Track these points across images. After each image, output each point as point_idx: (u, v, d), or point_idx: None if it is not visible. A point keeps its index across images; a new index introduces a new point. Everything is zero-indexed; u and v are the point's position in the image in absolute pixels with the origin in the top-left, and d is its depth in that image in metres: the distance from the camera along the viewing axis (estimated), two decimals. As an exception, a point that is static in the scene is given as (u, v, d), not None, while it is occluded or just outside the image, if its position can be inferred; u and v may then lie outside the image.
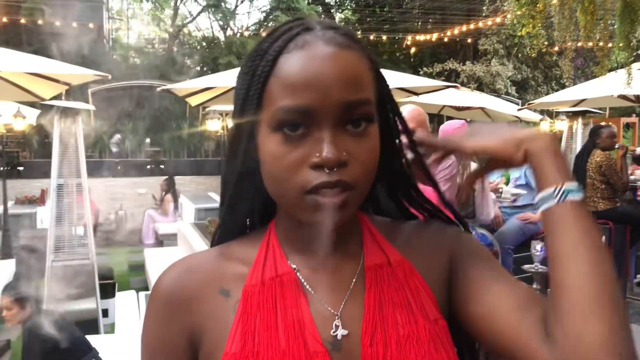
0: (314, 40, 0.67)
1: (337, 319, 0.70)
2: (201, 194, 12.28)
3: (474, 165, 3.14)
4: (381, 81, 0.74)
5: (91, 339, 3.56)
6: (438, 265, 0.77)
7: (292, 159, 0.65)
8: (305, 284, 0.73)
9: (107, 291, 5.56)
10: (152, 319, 0.75)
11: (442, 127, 3.79)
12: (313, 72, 0.65)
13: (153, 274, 6.22)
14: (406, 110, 2.63)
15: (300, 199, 0.66)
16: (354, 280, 0.73)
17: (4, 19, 14.14)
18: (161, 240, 9.57)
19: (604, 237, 5.40)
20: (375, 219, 0.82)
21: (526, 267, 3.40)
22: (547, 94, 15.92)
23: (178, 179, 11.29)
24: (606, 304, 0.63)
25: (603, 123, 6.83)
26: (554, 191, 0.68)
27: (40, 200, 10.35)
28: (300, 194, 0.66)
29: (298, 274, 0.73)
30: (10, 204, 9.31)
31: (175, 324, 0.73)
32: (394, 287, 0.73)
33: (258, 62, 0.68)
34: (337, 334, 0.69)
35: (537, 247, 3.35)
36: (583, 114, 7.07)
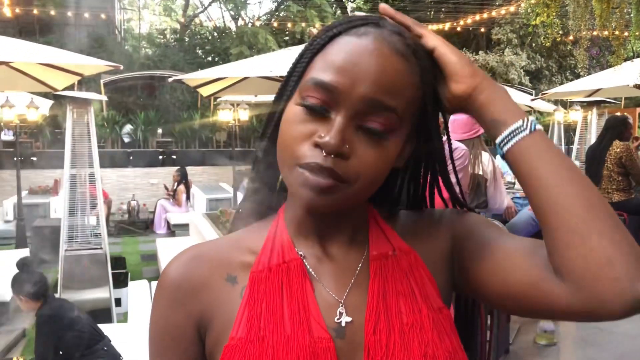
0: (375, 35, 0.67)
1: (341, 306, 0.71)
2: (213, 184, 12.32)
3: (485, 156, 3.10)
4: (428, 106, 0.73)
5: (104, 327, 3.59)
6: (439, 248, 0.78)
7: (301, 130, 0.67)
8: (311, 271, 0.73)
9: (120, 280, 5.61)
10: (160, 306, 0.76)
11: (452, 117, 3.76)
12: (354, 58, 0.65)
13: (165, 264, 6.23)
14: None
15: (293, 170, 0.67)
16: (358, 268, 0.74)
17: (17, 10, 14.20)
18: (173, 230, 9.63)
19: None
20: (382, 209, 0.82)
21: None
22: (562, 83, 15.76)
23: (189, 169, 11.33)
24: (601, 219, 0.63)
25: (618, 113, 6.75)
26: (524, 122, 0.68)
27: (54, 190, 10.44)
28: (293, 165, 0.67)
29: (305, 261, 0.74)
30: (24, 193, 9.40)
31: (183, 312, 0.74)
32: (398, 276, 0.73)
33: (321, 35, 0.70)
34: (341, 321, 0.70)
35: (550, 238, 3.32)
36: (598, 104, 6.99)
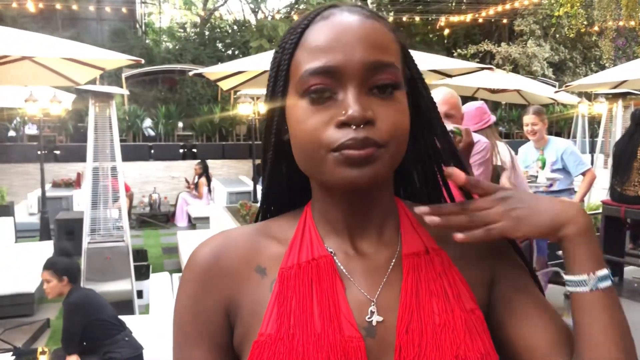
0: (339, 11, 0.70)
1: (373, 305, 0.70)
2: (233, 177, 12.39)
3: (501, 146, 3.05)
4: (409, 59, 0.74)
5: (126, 319, 3.64)
6: (477, 265, 0.76)
7: (317, 119, 0.66)
8: (342, 268, 0.72)
9: (142, 273, 5.67)
10: (188, 290, 0.74)
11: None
12: (336, 34, 0.67)
13: (186, 256, 6.30)
14: (439, 93, 2.57)
15: (325, 159, 0.66)
16: (390, 266, 0.72)
17: (40, 5, 14.37)
18: (194, 223, 9.71)
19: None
20: (412, 206, 0.80)
21: (561, 252, 3.32)
22: (586, 75, 15.50)
23: (210, 162, 11.41)
24: None
25: (644, 105, 6.60)
26: (586, 279, 0.69)
27: (76, 183, 10.59)
28: (325, 152, 0.65)
29: (335, 257, 0.73)
30: (47, 186, 9.54)
31: (212, 295, 0.73)
32: (431, 276, 0.72)
33: (288, 37, 0.71)
34: (372, 320, 0.69)
35: (573, 232, 3.26)
36: (624, 96, 6.84)
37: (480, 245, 0.76)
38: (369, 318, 0.69)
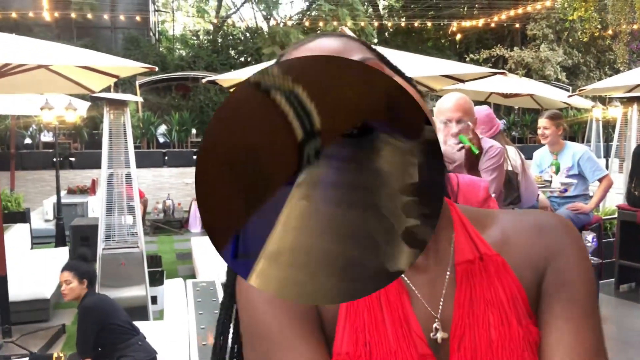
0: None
1: (437, 321, 0.67)
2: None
3: (511, 150, 3.03)
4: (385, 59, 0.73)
5: (140, 324, 3.66)
6: (536, 267, 0.71)
7: None
8: (408, 282, 0.69)
9: (156, 279, 5.70)
10: (261, 303, 0.66)
11: None
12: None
13: (200, 262, 6.33)
14: (451, 98, 2.56)
15: None
16: (447, 277, 0.69)
17: (55, 14, 14.57)
18: (207, 229, 9.72)
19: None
20: (465, 207, 0.77)
21: None
22: (600, 79, 15.39)
23: (223, 168, 11.45)
24: None
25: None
26: None
27: (91, 190, 10.67)
28: None
29: None
30: (62, 193, 9.63)
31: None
32: (485, 283, 0.68)
33: None
34: (437, 337, 0.66)
35: (588, 237, 3.23)
36: (639, 99, 6.78)
37: (539, 245, 0.71)
38: (433, 335, 0.66)
